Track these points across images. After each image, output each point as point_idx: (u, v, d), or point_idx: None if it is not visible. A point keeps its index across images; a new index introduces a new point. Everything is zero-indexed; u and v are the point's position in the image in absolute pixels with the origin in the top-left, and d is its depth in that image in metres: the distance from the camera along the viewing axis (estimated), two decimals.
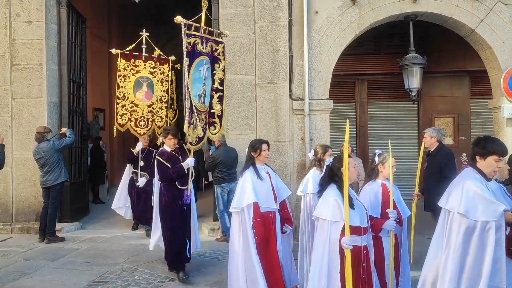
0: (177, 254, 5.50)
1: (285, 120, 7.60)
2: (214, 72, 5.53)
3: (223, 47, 5.63)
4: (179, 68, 7.97)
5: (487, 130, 9.72)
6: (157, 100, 7.44)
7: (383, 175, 4.19)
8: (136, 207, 7.92)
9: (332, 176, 3.68)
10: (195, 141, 5.33)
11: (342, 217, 3.42)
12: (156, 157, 5.53)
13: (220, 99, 5.67)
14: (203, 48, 5.26)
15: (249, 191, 4.22)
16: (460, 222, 3.07)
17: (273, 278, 4.22)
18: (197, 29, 5.19)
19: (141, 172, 7.62)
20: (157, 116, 7.46)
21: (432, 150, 6.03)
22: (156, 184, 5.82)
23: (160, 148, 5.83)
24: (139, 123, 7.39)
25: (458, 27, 7.65)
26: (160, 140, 7.33)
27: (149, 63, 7.47)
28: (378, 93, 10.57)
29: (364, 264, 3.53)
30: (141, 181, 7.59)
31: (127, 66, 7.36)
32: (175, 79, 8.17)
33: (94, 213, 9.54)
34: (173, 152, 5.56)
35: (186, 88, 4.99)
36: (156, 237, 6.08)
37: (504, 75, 7.18)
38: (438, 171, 5.76)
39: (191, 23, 5.10)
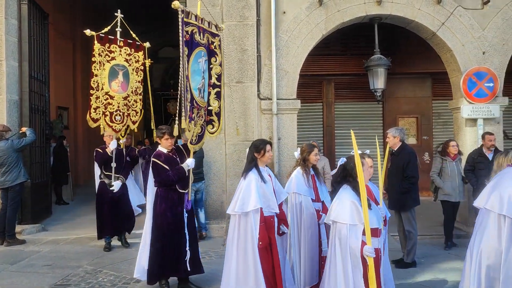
0: (163, 268, 4.95)
1: (253, 120, 7.62)
2: (211, 66, 5.18)
3: (220, 40, 5.31)
4: (149, 64, 7.25)
5: (448, 130, 10.06)
6: (132, 92, 6.70)
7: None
8: (111, 218, 6.71)
9: (345, 176, 3.57)
10: (195, 140, 4.95)
11: (360, 220, 3.30)
12: (152, 159, 5.04)
13: (218, 96, 5.29)
14: (200, 38, 4.89)
15: (254, 195, 3.98)
16: None
17: (273, 283, 4.07)
18: (195, 17, 4.84)
19: (115, 175, 6.68)
20: (132, 110, 6.72)
21: (395, 149, 6.19)
22: (150, 190, 5.13)
23: (157, 149, 5.27)
24: (114, 118, 6.50)
25: (421, 30, 7.89)
26: (123, 140, 6.87)
27: (125, 49, 6.63)
28: (344, 93, 10.75)
29: (381, 268, 3.49)
30: (117, 185, 6.64)
31: (102, 51, 6.40)
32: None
33: (57, 214, 9.26)
34: (170, 154, 5.12)
35: (185, 79, 4.63)
36: (143, 259, 5.09)
37: (463, 77, 7.45)
38: (401, 170, 5.92)
39: (189, 10, 4.79)
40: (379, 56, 7.91)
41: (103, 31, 6.43)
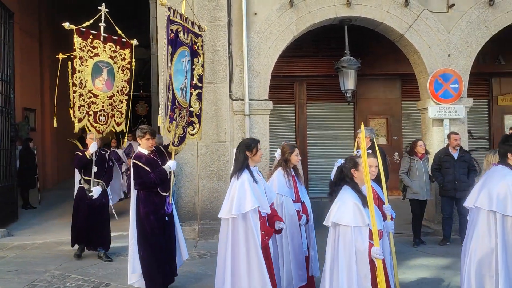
0: (156, 274, 4.76)
1: (225, 121, 7.60)
2: (194, 66, 5.10)
3: (202, 41, 5.23)
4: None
5: (417, 130, 10.28)
6: (117, 91, 6.32)
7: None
8: (87, 227, 6.28)
9: (343, 178, 3.51)
10: (177, 141, 4.85)
11: (364, 222, 3.25)
12: (133, 161, 4.83)
13: (199, 97, 5.20)
14: (185, 38, 4.81)
15: (250, 194, 3.84)
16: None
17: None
18: (180, 16, 4.75)
19: (95, 180, 6.24)
20: (117, 110, 6.33)
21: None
22: (133, 193, 4.91)
23: (136, 151, 5.06)
24: (98, 118, 6.07)
25: (389, 32, 8.05)
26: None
27: (109, 46, 6.21)
28: (316, 94, 10.85)
29: (386, 270, 3.44)
30: (96, 191, 6.17)
31: (84, 46, 5.96)
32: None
33: (24, 219, 9.00)
34: (151, 155, 4.94)
35: (168, 78, 4.55)
36: (135, 264, 4.84)
37: (430, 78, 7.64)
38: None
39: (175, 8, 4.69)
40: (349, 57, 8.03)
41: (84, 25, 6.03)
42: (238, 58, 7.65)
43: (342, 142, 10.63)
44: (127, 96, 6.45)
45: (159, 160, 4.94)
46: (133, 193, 4.90)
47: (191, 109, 5.09)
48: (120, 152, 10.49)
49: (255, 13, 7.66)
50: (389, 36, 8.25)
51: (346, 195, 3.40)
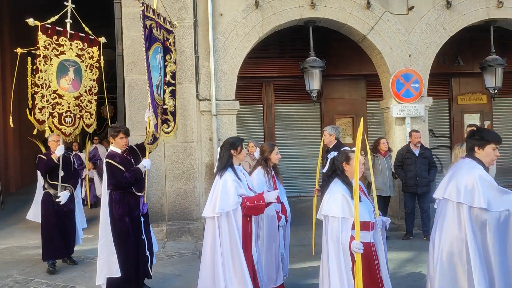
0: (131, 275, 4.68)
1: (192, 121, 7.60)
2: (166, 63, 5.03)
3: (174, 37, 5.15)
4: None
5: (381, 129, 10.55)
6: (85, 91, 6.04)
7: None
8: (59, 236, 5.90)
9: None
10: (151, 139, 4.77)
11: (351, 213, 3.31)
12: (106, 160, 4.69)
13: (173, 94, 5.10)
14: (158, 34, 4.73)
15: (233, 193, 3.86)
16: (479, 214, 3.14)
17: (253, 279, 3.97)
18: (152, 12, 4.67)
19: (63, 184, 5.91)
20: (86, 111, 6.07)
21: (330, 147, 6.43)
22: (105, 194, 4.78)
23: (109, 150, 4.93)
24: (64, 120, 5.79)
25: (352, 33, 8.25)
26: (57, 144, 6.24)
27: (76, 43, 5.93)
28: (284, 95, 10.98)
29: (377, 262, 3.45)
30: (64, 196, 5.86)
31: (49, 44, 5.63)
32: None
33: None
34: (125, 154, 4.83)
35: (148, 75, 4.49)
36: (107, 266, 4.67)
37: (392, 78, 7.88)
38: None
39: (148, 3, 4.61)
40: (314, 58, 8.18)
41: (49, 21, 5.68)
42: (204, 59, 7.67)
43: (309, 142, 10.80)
44: (96, 96, 6.22)
45: (132, 160, 4.85)
46: (105, 194, 4.75)
47: (165, 106, 5.00)
48: (82, 156, 10.31)
49: (221, 14, 7.71)
50: (352, 37, 8.46)
51: (336, 187, 3.49)
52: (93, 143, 11.07)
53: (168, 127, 5.09)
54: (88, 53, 6.11)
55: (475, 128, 3.57)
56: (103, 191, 4.86)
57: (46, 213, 5.95)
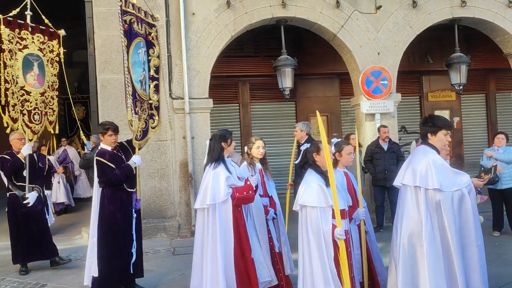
0: (115, 274, 4.61)
1: (165, 119, 7.61)
2: (150, 58, 4.98)
3: (157, 31, 5.13)
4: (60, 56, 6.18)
5: (354, 126, 10.78)
6: (48, 87, 5.87)
7: (342, 163, 4.14)
8: (28, 238, 5.72)
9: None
10: (140, 135, 4.75)
11: (327, 202, 3.39)
12: (96, 158, 4.66)
13: (157, 89, 5.09)
14: (139, 28, 4.71)
15: (223, 184, 3.94)
16: (433, 196, 3.30)
17: (244, 271, 3.99)
18: (132, 6, 4.65)
19: (30, 185, 5.67)
20: (49, 108, 5.88)
21: (302, 142, 6.59)
22: (96, 191, 4.72)
23: (99, 148, 4.87)
24: (33, 117, 5.60)
25: (323, 32, 8.44)
26: (30, 144, 5.87)
27: (37, 37, 5.76)
28: (259, 94, 11.10)
29: (349, 249, 3.53)
30: (32, 197, 5.62)
31: (12, 37, 5.44)
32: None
33: None
34: (115, 151, 4.80)
35: (127, 72, 4.45)
36: (93, 265, 4.58)
37: (361, 76, 8.09)
38: None
39: None
40: (286, 56, 8.34)
41: (11, 14, 5.49)
42: (177, 57, 7.75)
43: (285, 140, 10.93)
44: (57, 92, 6.08)
45: (123, 156, 4.82)
46: (97, 191, 4.70)
47: (150, 101, 5.00)
48: (52, 159, 9.72)
49: (193, 13, 7.80)
50: (323, 36, 8.64)
51: (310, 177, 3.57)
52: (61, 145, 10.66)
53: (154, 122, 5.08)
54: (49, 46, 5.94)
55: (427, 116, 3.73)
56: (94, 188, 4.76)
57: (12, 216, 5.74)
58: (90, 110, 9.89)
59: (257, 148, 4.54)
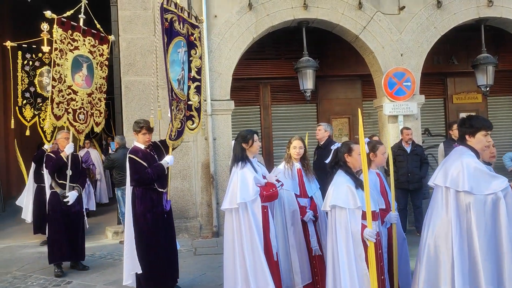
0: (159, 276, 4.60)
1: None
2: (191, 58, 4.96)
3: (200, 32, 5.12)
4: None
5: (377, 128, 10.66)
6: (96, 89, 6.01)
7: (376, 164, 4.06)
8: (67, 237, 5.71)
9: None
10: (174, 135, 4.71)
11: (356, 204, 3.36)
12: (129, 155, 4.65)
13: (198, 90, 5.05)
14: (180, 28, 4.70)
15: (252, 184, 3.92)
16: (463, 198, 3.22)
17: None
18: (174, 5, 4.65)
19: (71, 184, 5.71)
20: (96, 109, 6.01)
21: (322, 143, 6.59)
22: (128, 190, 4.70)
23: (132, 146, 4.88)
24: (78, 117, 5.67)
25: (345, 33, 8.39)
26: (48, 145, 6.27)
27: (89, 39, 5.88)
28: (280, 96, 11.09)
29: (380, 251, 3.49)
30: (72, 196, 5.66)
31: (64, 38, 5.55)
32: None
33: None
34: (148, 150, 4.79)
35: (165, 70, 4.45)
36: (132, 264, 4.59)
37: (384, 77, 8.00)
38: (325, 163, 6.28)
39: None
40: (307, 58, 8.31)
41: (65, 15, 5.63)
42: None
43: (306, 142, 10.89)
44: (105, 95, 6.20)
45: (156, 156, 4.82)
46: (129, 191, 4.69)
47: (189, 102, 4.96)
48: None
49: (215, 16, 7.87)
50: (345, 37, 8.59)
51: (339, 178, 3.54)
52: (84, 147, 10.70)
53: (193, 123, 5.04)
54: (99, 50, 6.09)
55: (465, 116, 3.60)
56: (127, 188, 4.74)
57: (53, 213, 5.78)
58: (113, 112, 10.04)
59: (294, 148, 4.45)
